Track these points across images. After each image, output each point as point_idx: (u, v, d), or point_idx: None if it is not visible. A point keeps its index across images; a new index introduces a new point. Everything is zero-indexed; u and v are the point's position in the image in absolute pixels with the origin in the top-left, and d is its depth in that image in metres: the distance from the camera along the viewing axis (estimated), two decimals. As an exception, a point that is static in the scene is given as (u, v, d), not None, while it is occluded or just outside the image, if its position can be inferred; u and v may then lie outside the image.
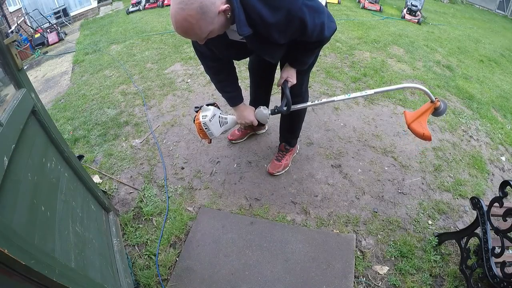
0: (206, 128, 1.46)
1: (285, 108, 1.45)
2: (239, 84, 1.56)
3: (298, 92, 1.56)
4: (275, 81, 1.70)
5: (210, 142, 1.61)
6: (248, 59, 1.73)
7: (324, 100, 1.48)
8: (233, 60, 1.52)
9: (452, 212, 1.78)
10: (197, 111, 1.49)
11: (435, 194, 1.87)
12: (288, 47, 1.27)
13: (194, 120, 1.49)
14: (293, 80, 1.43)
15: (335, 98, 1.45)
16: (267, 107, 1.58)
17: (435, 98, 1.29)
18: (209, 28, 0.97)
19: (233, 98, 1.51)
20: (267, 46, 1.16)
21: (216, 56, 1.34)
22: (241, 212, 1.73)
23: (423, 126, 1.33)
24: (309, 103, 1.52)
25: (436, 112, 1.32)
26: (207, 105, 1.48)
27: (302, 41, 1.18)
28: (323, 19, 1.11)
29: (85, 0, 9.23)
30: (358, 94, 1.43)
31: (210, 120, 1.45)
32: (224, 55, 1.34)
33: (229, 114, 1.57)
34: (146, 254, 1.53)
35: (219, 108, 1.53)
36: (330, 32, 1.17)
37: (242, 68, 3.04)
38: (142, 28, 5.35)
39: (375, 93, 1.41)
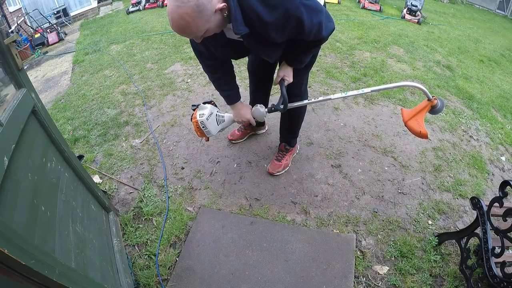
0: (203, 127, 1.47)
1: (281, 107, 1.45)
2: (239, 84, 1.56)
3: (298, 92, 1.56)
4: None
5: (208, 140, 1.61)
6: (247, 58, 1.74)
7: (321, 98, 1.47)
8: (231, 59, 1.51)
9: (452, 212, 1.78)
10: (194, 110, 1.50)
11: (435, 194, 1.87)
12: (286, 46, 1.26)
13: (191, 119, 1.49)
14: (289, 78, 1.42)
15: (331, 96, 1.45)
16: (267, 107, 1.58)
17: (432, 96, 1.29)
18: (206, 26, 0.97)
19: (231, 97, 1.52)
20: (264, 45, 1.16)
21: (213, 54, 1.34)
22: (241, 212, 1.73)
23: (420, 124, 1.32)
24: (305, 101, 1.52)
25: (433, 110, 1.32)
26: (204, 103, 1.48)
27: (299, 40, 1.18)
28: (321, 19, 1.10)
29: (85, 0, 9.23)
30: (355, 92, 1.43)
31: (207, 119, 1.45)
32: (222, 53, 1.33)
33: (226, 113, 1.57)
34: (146, 254, 1.53)
35: (216, 106, 1.53)
36: (328, 32, 1.17)
37: (242, 68, 3.04)
38: (142, 28, 5.35)
39: (372, 91, 1.41)
